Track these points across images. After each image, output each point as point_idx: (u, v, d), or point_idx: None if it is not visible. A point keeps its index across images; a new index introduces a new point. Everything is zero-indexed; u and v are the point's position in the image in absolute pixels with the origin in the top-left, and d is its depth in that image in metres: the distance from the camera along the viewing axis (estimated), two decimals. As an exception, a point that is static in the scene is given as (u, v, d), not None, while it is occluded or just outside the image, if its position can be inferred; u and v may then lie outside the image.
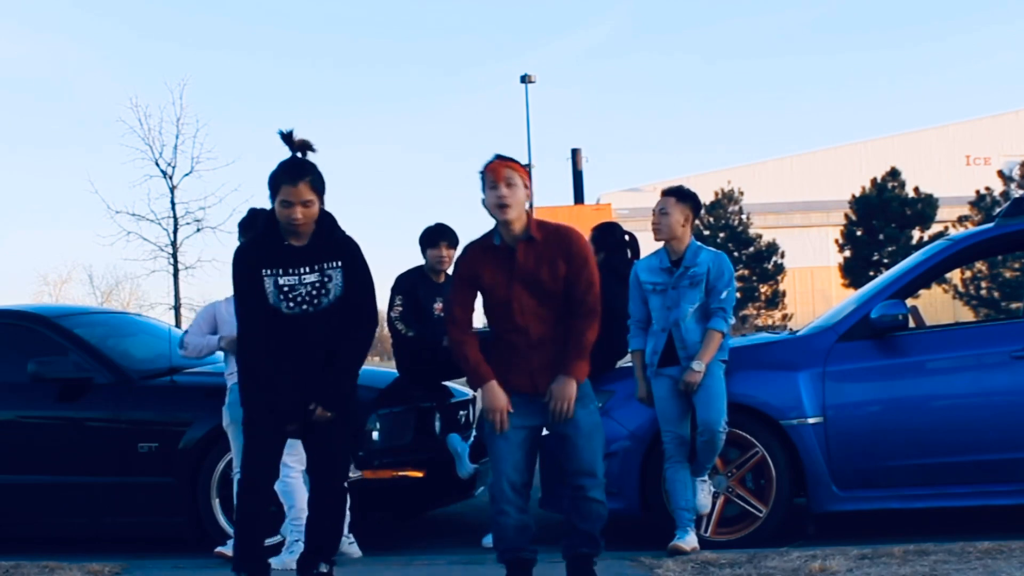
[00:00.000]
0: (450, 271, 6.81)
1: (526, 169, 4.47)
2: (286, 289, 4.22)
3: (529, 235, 4.38)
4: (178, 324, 26.71)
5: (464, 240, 6.76)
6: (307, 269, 4.25)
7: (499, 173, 4.33)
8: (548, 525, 6.02)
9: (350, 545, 5.80)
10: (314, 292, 4.24)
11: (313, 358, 4.29)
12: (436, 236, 6.69)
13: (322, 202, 4.30)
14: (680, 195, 5.68)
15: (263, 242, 4.33)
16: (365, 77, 76.78)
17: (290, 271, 4.24)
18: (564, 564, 4.51)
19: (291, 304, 4.23)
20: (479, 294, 4.47)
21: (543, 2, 75.17)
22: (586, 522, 4.39)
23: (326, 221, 4.34)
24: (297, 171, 4.22)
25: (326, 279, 4.25)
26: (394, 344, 6.71)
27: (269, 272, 4.23)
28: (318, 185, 4.27)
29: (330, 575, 4.46)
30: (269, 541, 5.74)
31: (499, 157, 4.42)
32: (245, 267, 4.27)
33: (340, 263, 4.27)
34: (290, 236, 4.28)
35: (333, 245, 4.30)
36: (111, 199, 45.75)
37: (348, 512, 5.78)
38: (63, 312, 7.28)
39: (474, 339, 4.41)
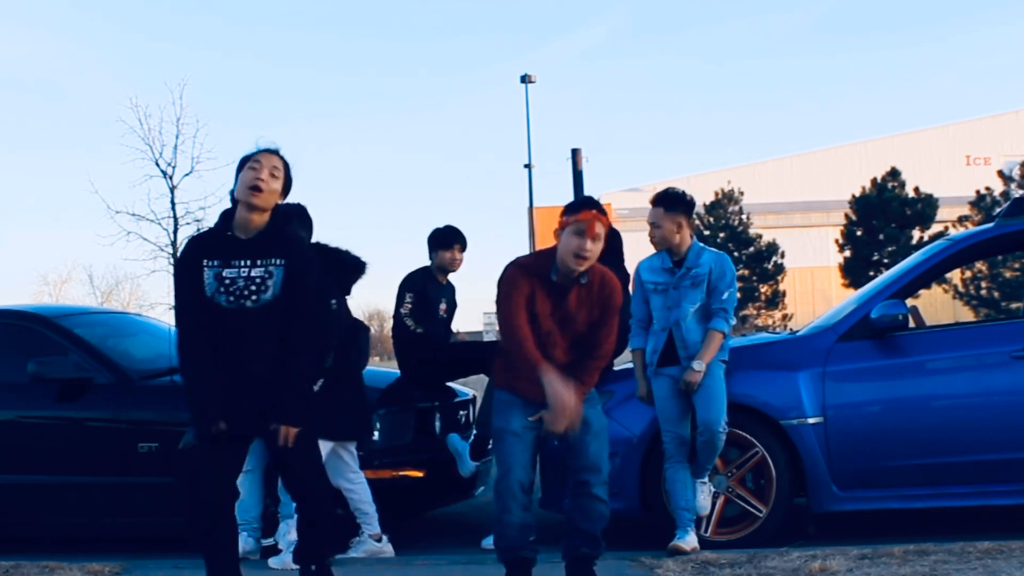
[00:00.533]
0: (455, 274, 6.85)
1: (607, 218, 4.44)
2: (227, 282, 4.13)
3: (589, 280, 4.37)
4: (178, 324, 26.65)
5: (471, 241, 6.83)
6: (248, 263, 4.16)
7: (593, 228, 4.28)
8: (548, 525, 6.02)
9: (387, 544, 5.82)
10: (253, 287, 4.13)
11: (254, 359, 4.13)
12: (450, 238, 6.68)
13: (285, 194, 4.27)
14: (668, 204, 5.63)
15: (210, 233, 4.29)
16: (365, 77, 76.71)
17: (231, 263, 4.15)
18: (564, 564, 4.52)
19: (230, 298, 4.12)
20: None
21: (543, 2, 75.17)
22: (588, 521, 4.40)
23: (279, 219, 4.28)
24: (275, 148, 4.27)
25: (267, 275, 4.15)
26: (400, 342, 6.70)
27: (210, 263, 4.16)
28: (288, 171, 4.27)
29: (328, 570, 4.41)
30: (266, 541, 5.76)
31: (595, 207, 4.37)
32: (184, 258, 4.20)
33: (282, 261, 4.18)
34: (239, 227, 4.19)
35: (279, 242, 4.23)
36: (111, 199, 45.80)
37: (374, 509, 5.79)
38: (63, 312, 7.28)
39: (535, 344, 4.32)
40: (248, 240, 4.19)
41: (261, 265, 4.16)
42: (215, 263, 4.15)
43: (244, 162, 4.24)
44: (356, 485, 5.77)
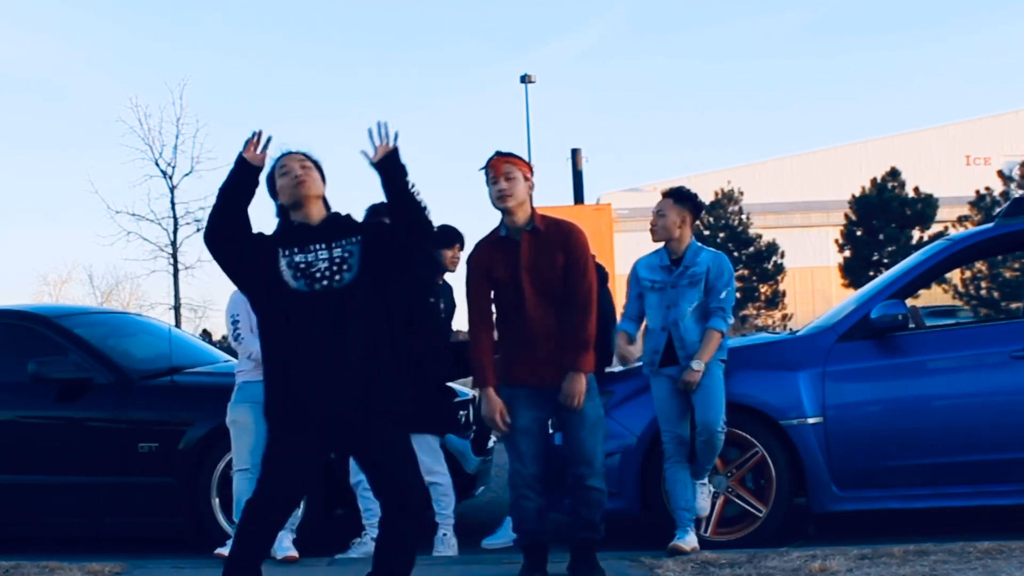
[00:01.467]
0: (451, 273, 6.86)
1: (528, 164, 4.76)
2: (303, 266, 4.01)
3: (533, 226, 4.69)
4: (178, 324, 26.69)
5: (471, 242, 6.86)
6: (322, 246, 4.05)
7: (498, 169, 4.67)
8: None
9: (450, 537, 5.90)
10: (334, 268, 4.01)
11: (348, 340, 3.93)
12: (453, 238, 6.70)
13: (323, 179, 4.20)
14: (678, 196, 5.66)
15: (277, 229, 4.19)
16: (365, 77, 76.59)
17: (307, 248, 4.04)
18: (566, 562, 4.76)
19: (308, 281, 3.98)
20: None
21: (543, 2, 75.12)
22: (585, 508, 4.75)
23: (334, 213, 4.20)
24: (286, 150, 4.21)
25: (346, 255, 4.03)
26: None
27: (285, 252, 4.04)
28: (315, 161, 4.19)
29: None
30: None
31: (498, 153, 4.72)
32: (260, 248, 4.05)
33: (359, 239, 4.07)
34: (299, 215, 4.10)
35: (348, 224, 4.15)
36: (111, 199, 45.96)
37: (452, 497, 5.90)
38: (63, 312, 7.28)
39: (490, 337, 4.69)
40: (315, 226, 4.10)
41: (338, 246, 4.05)
42: (288, 251, 4.03)
43: (271, 177, 4.17)
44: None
